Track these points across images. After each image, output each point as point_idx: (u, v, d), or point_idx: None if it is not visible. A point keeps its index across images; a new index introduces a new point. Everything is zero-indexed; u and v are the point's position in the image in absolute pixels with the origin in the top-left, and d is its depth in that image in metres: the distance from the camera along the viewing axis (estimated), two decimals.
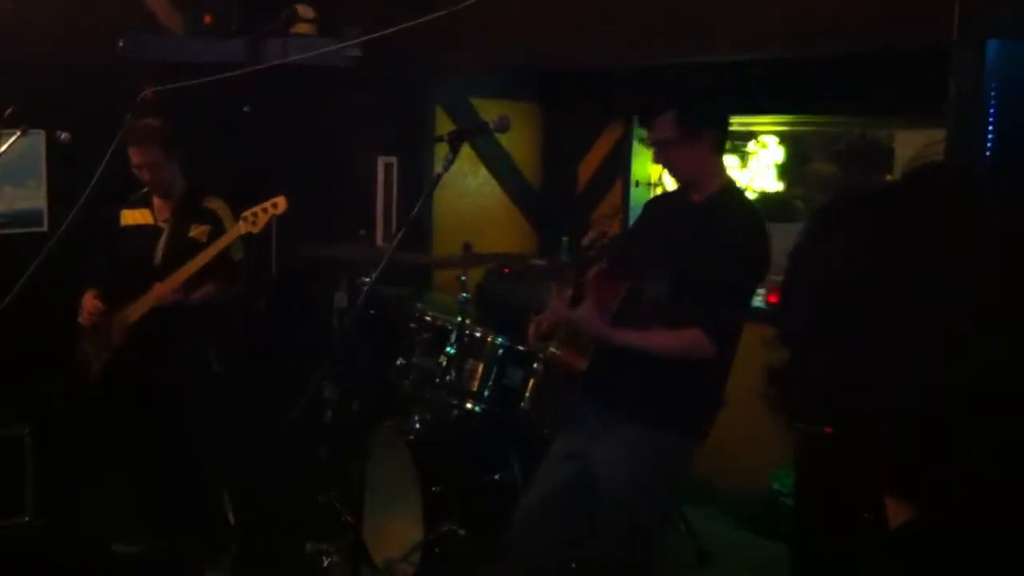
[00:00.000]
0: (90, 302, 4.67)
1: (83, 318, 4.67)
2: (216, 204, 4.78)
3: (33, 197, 5.32)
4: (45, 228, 5.27)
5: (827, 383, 0.99)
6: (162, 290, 4.52)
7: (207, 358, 4.79)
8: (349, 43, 5.40)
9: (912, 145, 5.01)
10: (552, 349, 3.57)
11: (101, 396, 4.73)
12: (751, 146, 5.73)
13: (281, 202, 4.53)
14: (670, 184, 3.91)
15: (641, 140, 6.20)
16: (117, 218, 4.81)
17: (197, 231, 4.71)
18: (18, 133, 4.34)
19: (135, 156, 4.63)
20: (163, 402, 4.62)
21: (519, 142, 6.37)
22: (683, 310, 3.21)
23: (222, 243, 4.54)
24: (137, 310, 4.60)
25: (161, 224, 4.75)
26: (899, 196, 1.00)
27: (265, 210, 4.52)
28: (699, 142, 3.34)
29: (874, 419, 0.97)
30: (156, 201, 4.79)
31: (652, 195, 6.05)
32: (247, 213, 4.52)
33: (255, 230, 4.52)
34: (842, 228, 1.00)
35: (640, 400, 3.33)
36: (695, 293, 3.21)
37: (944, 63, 3.36)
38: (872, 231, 0.97)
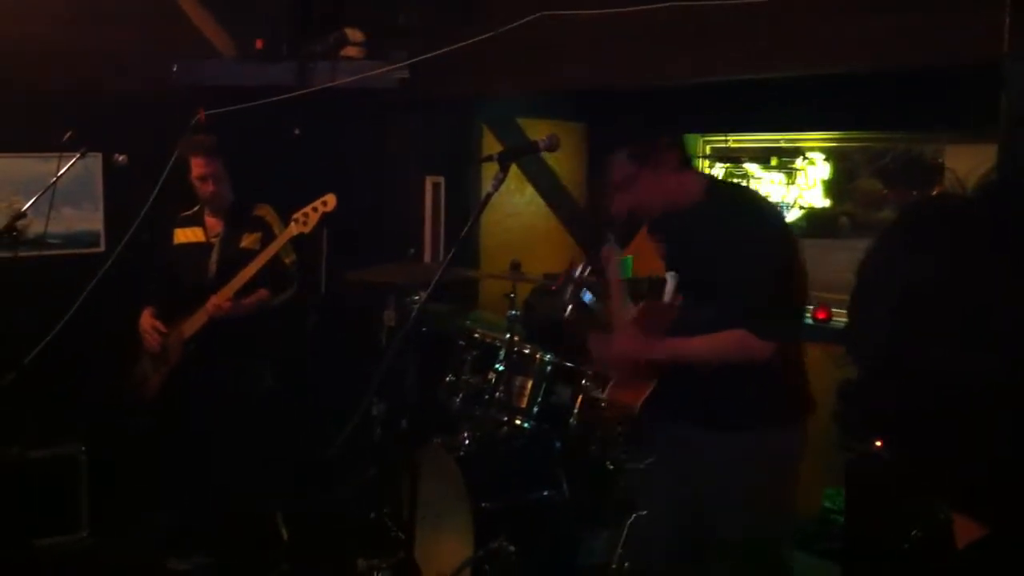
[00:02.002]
0: (149, 322, 4.74)
1: (149, 342, 4.74)
2: (264, 211, 4.86)
3: (90, 218, 5.44)
4: (102, 248, 5.38)
5: (905, 401, 0.98)
6: (216, 301, 4.58)
7: (261, 375, 4.85)
8: (397, 65, 5.46)
9: (963, 160, 4.97)
10: (602, 397, 3.52)
11: (158, 414, 4.80)
12: (798, 162, 5.71)
13: (331, 199, 4.57)
14: None
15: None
16: (171, 237, 4.89)
17: (249, 240, 4.78)
18: (77, 156, 4.46)
19: (199, 167, 4.71)
20: (217, 419, 4.68)
21: (565, 161, 6.39)
22: (725, 319, 3.12)
23: (275, 247, 4.59)
24: (192, 325, 4.67)
25: (212, 240, 4.83)
26: (978, 209, 0.99)
27: (315, 209, 4.57)
28: (661, 166, 3.25)
29: (951, 437, 0.96)
30: (208, 219, 4.87)
31: None
32: (298, 214, 4.57)
33: (307, 230, 4.57)
34: (919, 242, 0.99)
35: (725, 408, 3.22)
36: (726, 299, 3.12)
37: (995, 77, 3.34)
38: (953, 244, 0.96)
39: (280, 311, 4.81)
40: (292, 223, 4.57)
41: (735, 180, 5.65)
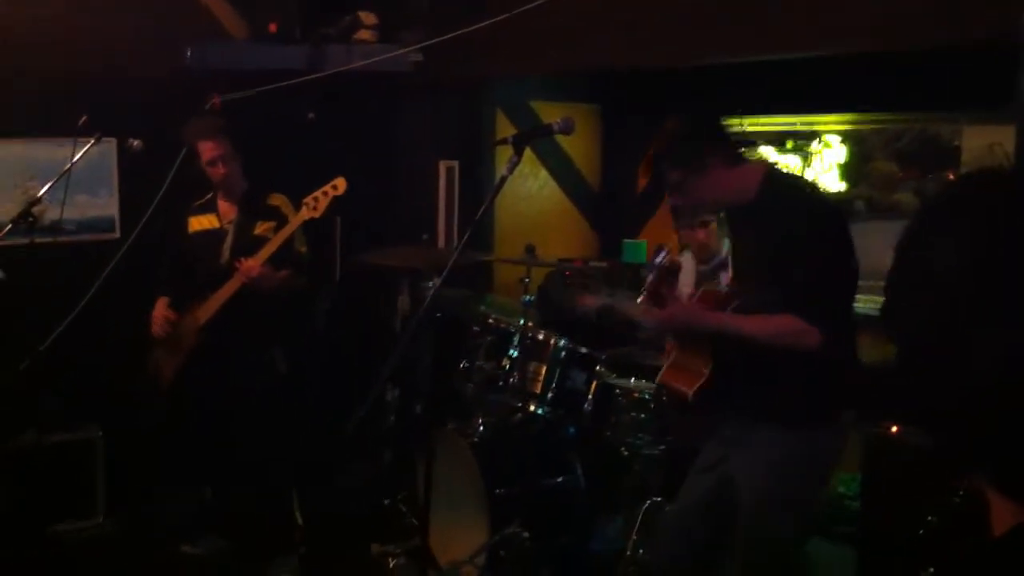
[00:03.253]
0: (161, 311, 4.74)
1: (155, 329, 4.74)
2: (279, 200, 4.83)
3: (105, 204, 5.44)
4: (117, 234, 5.39)
5: (953, 378, 0.96)
6: (250, 263, 4.52)
7: (274, 361, 4.84)
8: (410, 48, 5.44)
9: (980, 141, 4.92)
10: (657, 379, 3.52)
11: (173, 400, 4.81)
12: (814, 145, 5.67)
13: (341, 183, 4.54)
14: None
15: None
16: (185, 225, 4.88)
17: (262, 228, 4.76)
18: (91, 141, 4.45)
19: (209, 151, 4.69)
20: (231, 406, 4.69)
21: (579, 144, 6.37)
22: (777, 306, 3.10)
23: (288, 230, 4.58)
24: (207, 310, 4.67)
25: (227, 227, 4.82)
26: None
27: (325, 193, 4.54)
28: (707, 168, 3.23)
29: (1003, 416, 0.94)
30: (221, 205, 4.86)
31: None
32: (308, 199, 4.54)
33: (317, 215, 4.55)
34: (968, 217, 0.97)
35: (769, 401, 3.21)
36: (780, 287, 3.10)
37: (1013, 57, 3.30)
38: (1004, 218, 0.94)
39: (293, 298, 4.81)
40: (303, 207, 4.55)
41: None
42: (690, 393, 3.28)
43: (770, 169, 3.40)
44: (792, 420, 3.19)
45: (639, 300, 3.65)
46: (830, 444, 3.29)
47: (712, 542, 3.42)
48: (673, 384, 3.40)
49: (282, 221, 4.74)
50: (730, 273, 3.61)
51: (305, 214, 4.54)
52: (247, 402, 4.71)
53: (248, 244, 4.69)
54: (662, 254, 3.81)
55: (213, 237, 4.82)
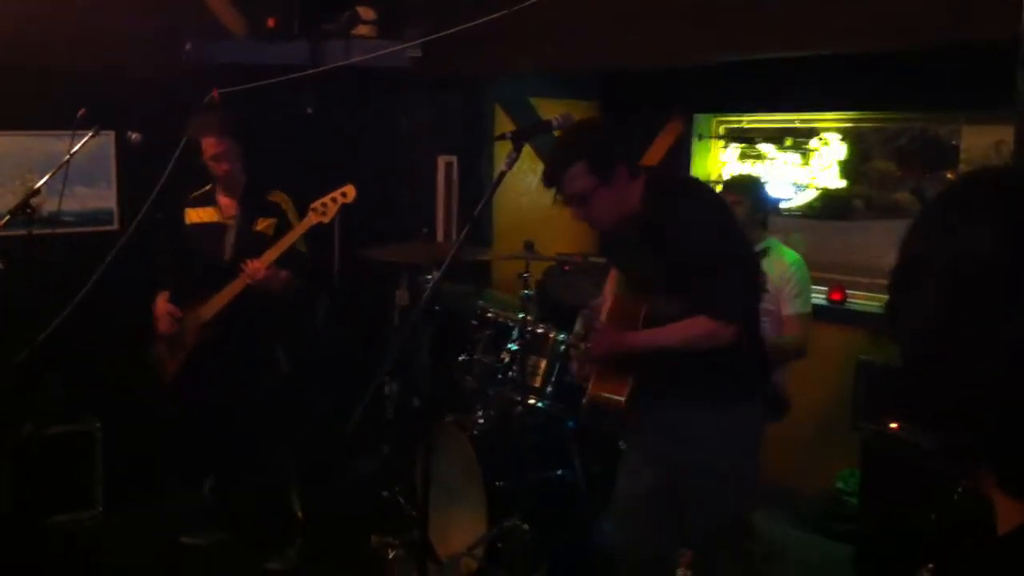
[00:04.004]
0: (164, 307, 4.73)
1: (161, 326, 4.73)
2: (279, 197, 4.82)
3: (104, 196, 5.45)
4: (116, 227, 5.39)
5: (962, 379, 0.95)
6: (256, 265, 4.51)
7: (276, 358, 4.84)
8: (409, 44, 5.44)
9: (979, 140, 4.93)
10: (586, 396, 3.56)
11: (174, 394, 4.81)
12: (813, 143, 5.68)
13: (350, 191, 4.55)
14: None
15: (700, 137, 6.19)
16: (183, 217, 4.87)
17: (263, 224, 4.75)
18: (90, 134, 4.45)
19: (212, 147, 4.67)
20: (233, 401, 4.69)
21: None
22: (686, 308, 3.23)
23: (295, 233, 4.58)
24: (211, 308, 4.65)
25: (227, 221, 4.80)
26: None
27: (335, 200, 4.54)
28: (615, 179, 3.26)
29: (1013, 414, 0.93)
30: (220, 199, 4.84)
31: None
32: (316, 204, 4.53)
33: (325, 220, 4.54)
34: (978, 212, 0.96)
35: (700, 383, 3.32)
36: (685, 290, 3.22)
37: (1012, 55, 3.31)
38: (1003, 219, 0.94)
39: (294, 295, 4.80)
40: (311, 212, 4.53)
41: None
42: (623, 400, 3.37)
43: (649, 178, 3.39)
44: (724, 398, 3.32)
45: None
46: (759, 416, 3.48)
47: (665, 525, 3.48)
48: (604, 395, 3.46)
49: (282, 218, 4.73)
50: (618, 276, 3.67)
51: (313, 219, 4.54)
52: (249, 399, 4.70)
53: (250, 240, 4.68)
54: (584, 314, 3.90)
55: (213, 230, 4.80)
